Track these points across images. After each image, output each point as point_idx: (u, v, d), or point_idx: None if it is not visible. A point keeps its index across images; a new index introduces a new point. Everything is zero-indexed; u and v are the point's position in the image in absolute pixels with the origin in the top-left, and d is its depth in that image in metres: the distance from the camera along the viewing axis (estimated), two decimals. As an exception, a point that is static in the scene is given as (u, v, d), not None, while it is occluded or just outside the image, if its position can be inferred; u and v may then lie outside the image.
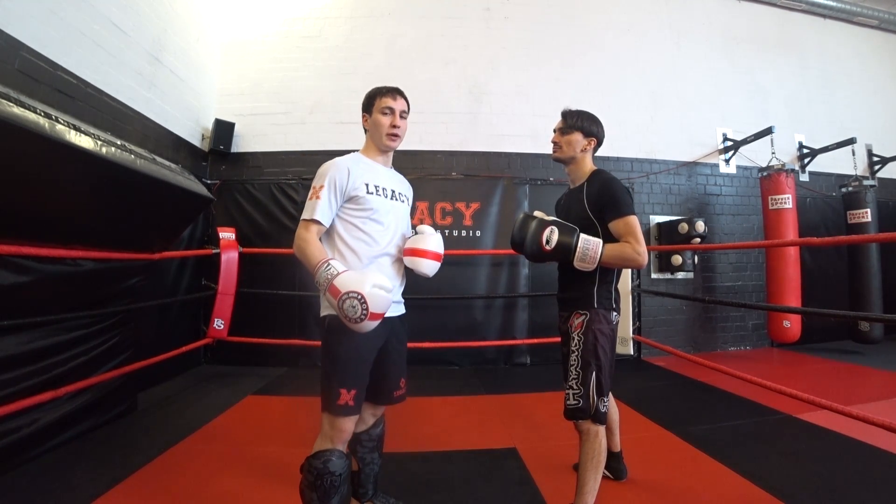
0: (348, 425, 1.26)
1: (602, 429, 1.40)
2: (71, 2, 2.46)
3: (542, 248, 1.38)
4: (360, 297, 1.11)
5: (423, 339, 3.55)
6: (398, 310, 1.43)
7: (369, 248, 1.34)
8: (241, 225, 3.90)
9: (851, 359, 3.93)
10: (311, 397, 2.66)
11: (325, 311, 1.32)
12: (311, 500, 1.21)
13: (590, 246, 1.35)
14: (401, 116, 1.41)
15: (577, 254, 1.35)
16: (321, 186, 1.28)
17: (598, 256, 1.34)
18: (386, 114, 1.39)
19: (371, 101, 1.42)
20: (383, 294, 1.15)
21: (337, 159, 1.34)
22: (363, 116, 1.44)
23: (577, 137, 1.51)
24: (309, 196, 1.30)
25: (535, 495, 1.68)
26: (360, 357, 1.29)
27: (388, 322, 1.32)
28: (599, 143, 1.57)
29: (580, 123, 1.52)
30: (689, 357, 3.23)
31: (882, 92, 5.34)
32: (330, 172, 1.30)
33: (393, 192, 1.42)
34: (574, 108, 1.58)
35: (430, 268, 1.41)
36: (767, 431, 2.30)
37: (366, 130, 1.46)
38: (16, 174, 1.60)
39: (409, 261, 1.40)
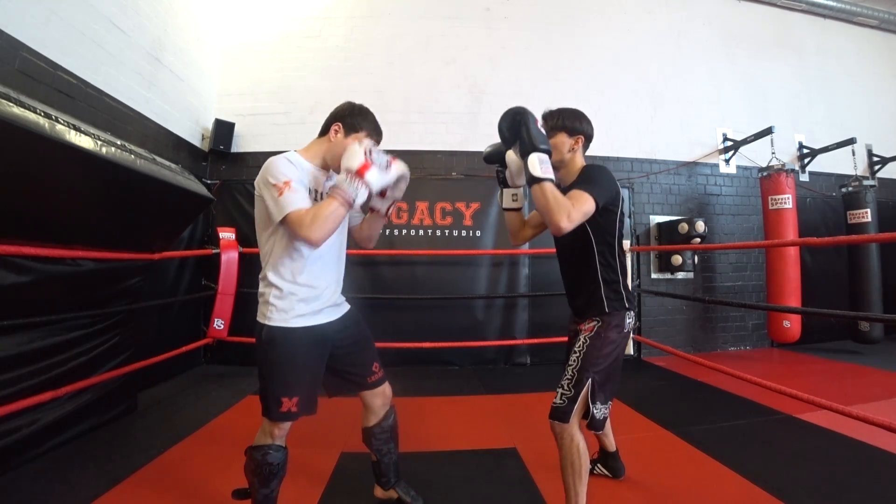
0: (287, 425, 1.32)
1: (577, 435, 1.35)
2: (71, 2, 2.46)
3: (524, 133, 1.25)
4: (372, 149, 1.23)
5: (423, 339, 3.55)
6: (339, 312, 1.42)
7: (309, 250, 1.28)
8: (241, 225, 3.89)
9: (851, 359, 3.92)
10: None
11: (261, 319, 1.29)
12: (253, 482, 1.33)
13: (546, 164, 1.23)
14: None
15: (535, 156, 1.23)
16: (287, 182, 1.19)
17: (547, 175, 1.22)
18: None
19: (355, 125, 1.34)
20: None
21: (280, 158, 1.24)
22: (336, 124, 1.34)
23: (562, 139, 1.42)
24: (277, 193, 1.18)
25: (535, 495, 1.69)
26: (301, 364, 1.29)
27: (327, 328, 1.35)
28: (589, 140, 1.47)
29: (562, 122, 1.42)
30: (689, 357, 3.23)
31: (882, 92, 5.34)
32: (286, 168, 1.22)
33: (315, 192, 1.34)
34: (557, 107, 1.47)
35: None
36: (767, 431, 2.30)
37: (325, 132, 1.37)
38: (16, 174, 1.59)
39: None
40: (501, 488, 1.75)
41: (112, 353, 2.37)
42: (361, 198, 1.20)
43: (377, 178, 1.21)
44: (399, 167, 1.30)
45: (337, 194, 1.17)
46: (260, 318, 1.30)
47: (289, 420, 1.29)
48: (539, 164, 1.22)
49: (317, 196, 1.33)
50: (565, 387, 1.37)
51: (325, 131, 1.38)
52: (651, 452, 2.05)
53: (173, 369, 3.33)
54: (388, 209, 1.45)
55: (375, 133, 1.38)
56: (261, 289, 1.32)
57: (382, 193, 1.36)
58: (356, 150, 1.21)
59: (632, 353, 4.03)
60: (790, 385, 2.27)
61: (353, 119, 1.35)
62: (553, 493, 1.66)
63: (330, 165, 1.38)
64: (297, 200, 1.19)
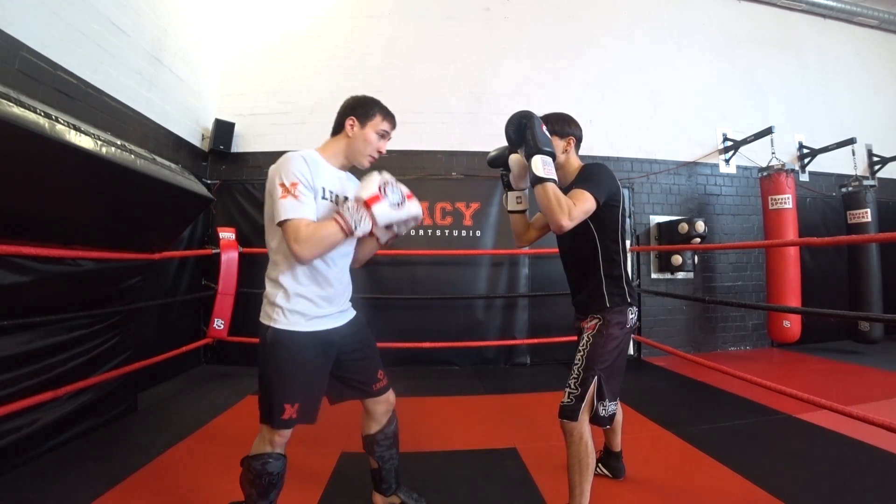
0: (288, 433, 1.27)
1: (587, 433, 1.37)
2: (71, 2, 2.46)
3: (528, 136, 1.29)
4: (389, 183, 1.22)
5: (423, 339, 3.56)
6: (345, 318, 1.39)
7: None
8: (241, 225, 3.90)
9: (851, 359, 3.93)
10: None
11: (266, 320, 1.25)
12: (250, 494, 1.27)
13: (549, 166, 1.27)
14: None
15: (538, 158, 1.27)
16: (294, 184, 1.16)
17: (549, 175, 1.27)
18: (381, 137, 1.34)
19: (368, 113, 1.33)
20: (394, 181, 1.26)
21: (295, 155, 1.21)
22: (349, 119, 1.32)
23: (555, 142, 1.43)
24: (281, 195, 1.15)
25: (535, 495, 1.68)
26: (306, 369, 1.26)
27: (334, 333, 1.32)
28: (579, 141, 1.51)
29: (552, 127, 1.44)
30: (690, 357, 3.22)
31: (882, 92, 5.34)
32: (298, 168, 1.19)
33: (337, 197, 1.32)
34: (543, 113, 1.49)
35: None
36: (767, 431, 2.30)
37: (339, 130, 1.34)
38: (16, 174, 1.59)
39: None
40: (501, 488, 1.75)
41: (112, 353, 2.37)
42: (363, 229, 1.17)
43: (385, 213, 1.18)
44: (412, 208, 1.26)
45: (339, 219, 1.15)
46: (264, 320, 1.25)
47: (289, 427, 1.25)
48: (542, 165, 1.26)
49: (334, 199, 1.29)
50: (572, 385, 1.39)
51: (339, 129, 1.35)
52: (651, 452, 2.05)
53: (173, 369, 3.33)
54: (388, 241, 1.41)
55: (388, 117, 1.36)
56: (267, 289, 1.27)
57: (388, 226, 1.30)
58: (373, 180, 1.19)
59: (632, 353, 4.03)
60: (790, 385, 2.27)
61: (363, 109, 1.34)
62: (553, 493, 1.67)
63: (352, 161, 1.36)
64: (298, 208, 1.15)
